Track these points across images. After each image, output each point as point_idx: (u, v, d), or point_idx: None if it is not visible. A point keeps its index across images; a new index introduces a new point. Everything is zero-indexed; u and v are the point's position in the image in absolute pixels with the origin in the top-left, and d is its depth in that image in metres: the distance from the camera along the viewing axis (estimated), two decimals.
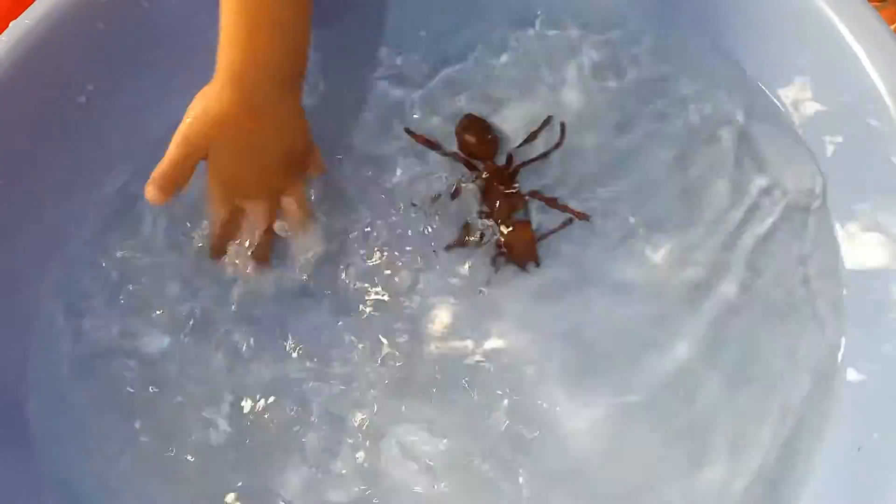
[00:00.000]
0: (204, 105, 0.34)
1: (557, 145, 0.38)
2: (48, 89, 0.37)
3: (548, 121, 0.39)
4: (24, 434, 0.36)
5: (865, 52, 0.33)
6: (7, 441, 0.36)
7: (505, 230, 0.37)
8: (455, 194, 0.38)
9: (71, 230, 0.39)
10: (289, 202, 0.37)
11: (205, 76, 0.35)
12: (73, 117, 0.38)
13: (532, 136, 0.39)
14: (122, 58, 0.38)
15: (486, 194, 0.38)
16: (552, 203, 0.37)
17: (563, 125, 0.39)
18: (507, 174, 0.38)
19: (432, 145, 0.39)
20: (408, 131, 0.39)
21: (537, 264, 0.37)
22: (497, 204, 0.37)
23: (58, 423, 0.37)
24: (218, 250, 0.38)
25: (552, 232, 0.37)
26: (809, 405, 0.34)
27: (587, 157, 0.39)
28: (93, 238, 0.39)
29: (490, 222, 0.37)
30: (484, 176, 0.38)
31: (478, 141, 0.39)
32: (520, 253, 0.37)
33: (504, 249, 0.37)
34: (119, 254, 0.39)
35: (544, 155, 0.38)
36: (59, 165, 0.38)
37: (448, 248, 0.38)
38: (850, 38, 0.33)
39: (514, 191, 0.38)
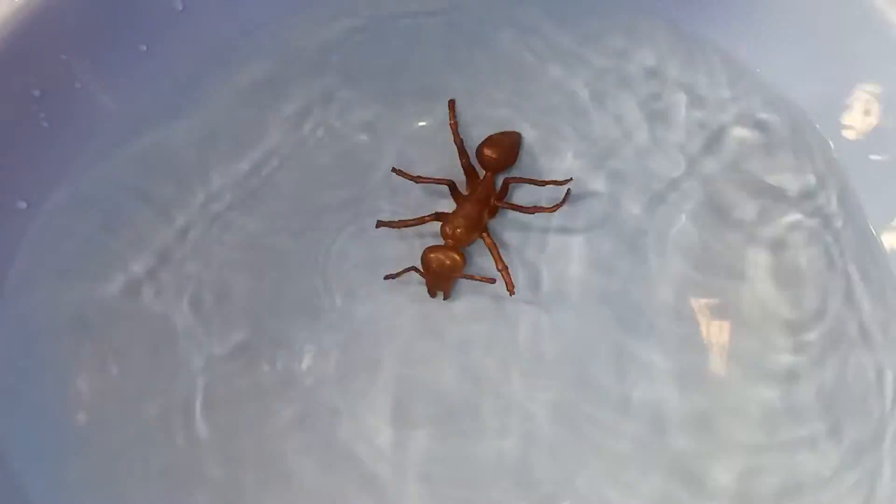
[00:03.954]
0: None
1: (553, 207, 0.35)
2: None
3: (567, 181, 0.35)
4: None
5: None
6: None
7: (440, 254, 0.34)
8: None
9: None
10: None
11: None
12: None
13: (540, 183, 0.35)
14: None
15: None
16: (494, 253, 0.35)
17: (568, 191, 0.35)
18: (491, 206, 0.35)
19: (420, 179, 0.35)
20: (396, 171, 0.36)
21: (445, 297, 0.35)
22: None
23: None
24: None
25: (471, 278, 0.34)
26: None
27: None
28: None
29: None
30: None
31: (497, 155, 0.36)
32: (436, 281, 0.34)
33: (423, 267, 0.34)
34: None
35: (531, 210, 0.35)
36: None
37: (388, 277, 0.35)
38: None
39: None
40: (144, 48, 0.35)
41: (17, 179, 0.34)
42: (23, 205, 0.34)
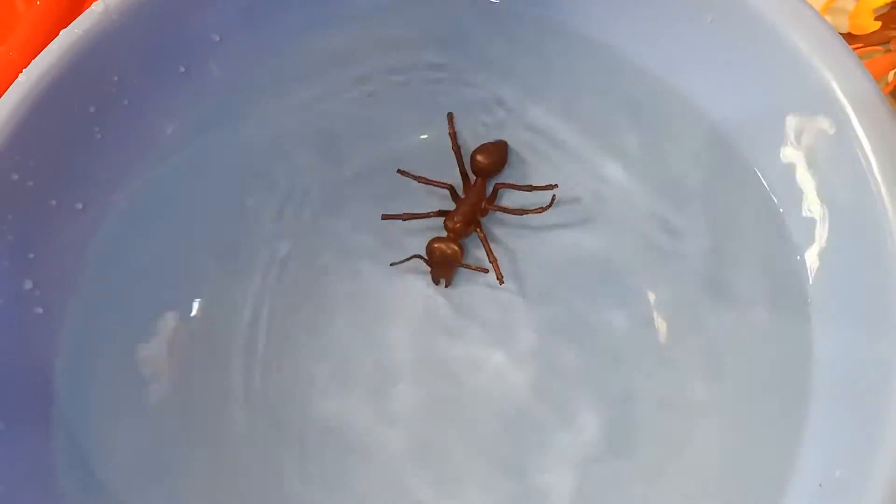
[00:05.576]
0: None
1: (539, 210, 0.39)
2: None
3: (553, 186, 0.39)
4: (45, 405, 0.36)
5: None
6: (25, 414, 0.35)
7: (443, 245, 0.39)
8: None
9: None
10: None
11: None
12: None
13: (528, 188, 0.40)
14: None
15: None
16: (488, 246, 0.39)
17: (553, 197, 0.39)
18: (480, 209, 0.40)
19: (427, 182, 0.40)
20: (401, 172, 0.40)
21: (447, 285, 0.40)
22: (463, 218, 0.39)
23: (83, 394, 0.37)
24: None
25: (468, 267, 0.39)
26: None
27: None
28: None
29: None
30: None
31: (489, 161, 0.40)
32: (438, 268, 0.39)
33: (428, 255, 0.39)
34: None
35: (519, 212, 0.39)
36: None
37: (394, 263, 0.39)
38: None
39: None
40: (183, 70, 0.41)
41: (76, 183, 0.39)
42: (79, 206, 0.39)
